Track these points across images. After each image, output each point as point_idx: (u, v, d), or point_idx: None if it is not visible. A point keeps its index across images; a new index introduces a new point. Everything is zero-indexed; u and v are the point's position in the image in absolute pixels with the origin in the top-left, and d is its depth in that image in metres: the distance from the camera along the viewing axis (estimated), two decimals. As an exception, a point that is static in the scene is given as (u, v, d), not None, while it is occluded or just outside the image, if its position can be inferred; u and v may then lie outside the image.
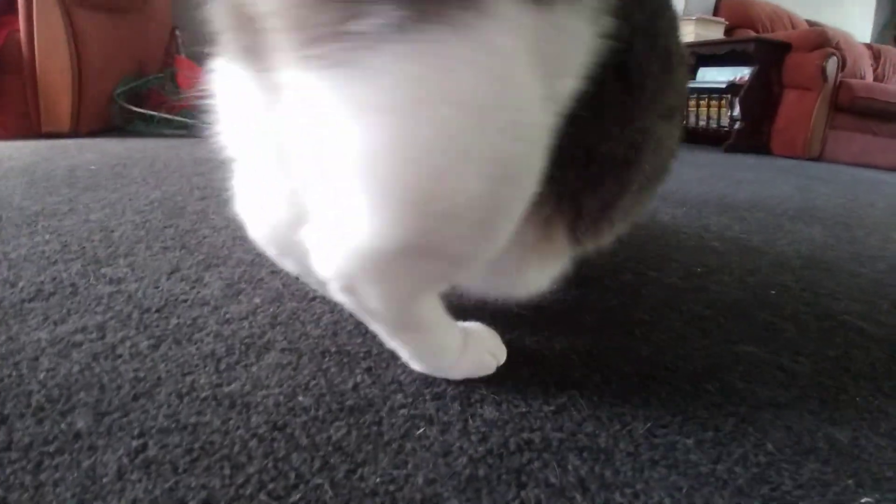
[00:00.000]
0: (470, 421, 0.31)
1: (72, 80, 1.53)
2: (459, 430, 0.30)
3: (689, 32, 3.14)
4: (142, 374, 0.33)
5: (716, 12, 3.35)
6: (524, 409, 0.33)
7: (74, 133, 1.55)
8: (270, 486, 0.25)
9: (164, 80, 1.73)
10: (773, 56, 2.91)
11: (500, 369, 0.37)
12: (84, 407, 0.30)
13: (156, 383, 0.33)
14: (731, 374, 0.40)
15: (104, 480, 0.25)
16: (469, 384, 0.35)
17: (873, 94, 3.07)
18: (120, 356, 0.35)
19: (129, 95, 1.63)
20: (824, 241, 0.87)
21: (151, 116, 1.62)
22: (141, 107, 1.62)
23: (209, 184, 0.95)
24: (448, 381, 0.35)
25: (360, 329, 0.42)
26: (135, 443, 0.28)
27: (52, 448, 0.27)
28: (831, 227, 1.00)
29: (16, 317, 0.40)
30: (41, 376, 0.33)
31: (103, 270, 0.50)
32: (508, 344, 0.39)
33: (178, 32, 2.02)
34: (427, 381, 0.35)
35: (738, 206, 1.13)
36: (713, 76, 3.01)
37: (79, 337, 0.37)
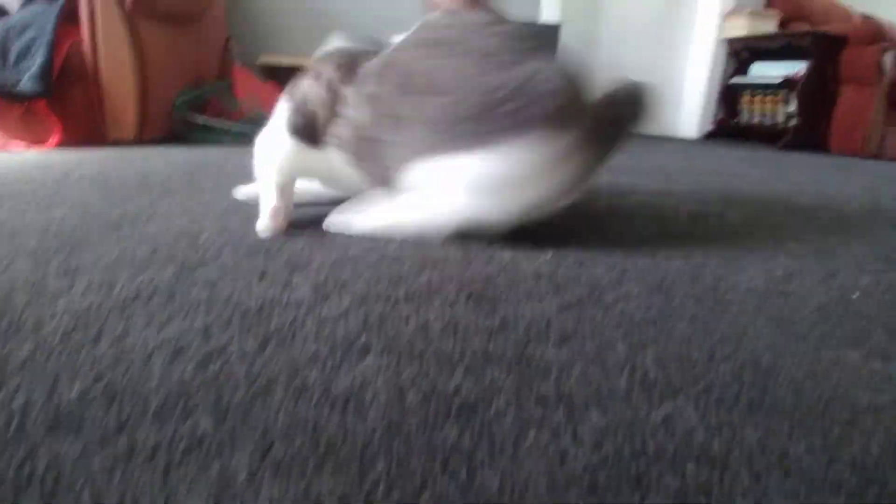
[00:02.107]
0: (579, 427, 0.31)
1: (136, 90, 1.60)
2: (571, 436, 0.30)
3: (741, 26, 3.04)
4: (254, 375, 0.35)
5: (768, 4, 3.22)
6: (631, 417, 0.33)
7: (139, 140, 1.63)
8: (399, 487, 0.26)
9: (222, 89, 1.80)
10: (830, 50, 2.80)
11: (600, 382, 0.37)
12: (204, 408, 0.32)
13: (269, 383, 0.34)
14: (831, 380, 0.39)
15: (237, 482, 0.26)
16: (569, 390, 0.35)
17: (932, 84, 2.88)
18: (230, 357, 0.37)
19: (189, 105, 1.71)
20: (903, 243, 0.83)
21: (212, 126, 1.69)
22: (200, 116, 1.68)
23: (274, 189, 0.98)
24: (546, 384, 0.35)
25: (449, 330, 0.42)
26: (261, 444, 0.29)
27: (178, 451, 0.28)
28: (909, 228, 0.95)
29: (120, 318, 0.43)
30: (155, 379, 0.34)
31: (196, 274, 0.53)
32: (603, 354, 0.38)
33: (232, 42, 2.09)
34: (525, 383, 0.35)
35: (806, 207, 1.09)
36: (767, 71, 2.90)
37: (186, 339, 0.39)
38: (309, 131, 0.74)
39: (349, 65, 0.73)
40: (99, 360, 0.36)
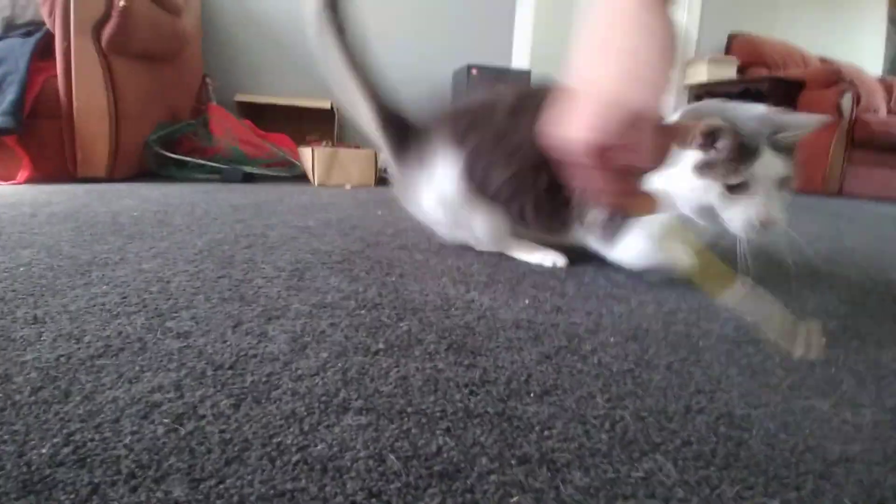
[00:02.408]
0: (562, 488, 0.31)
1: (109, 127, 1.58)
2: (554, 499, 0.30)
3: (701, 72, 3.20)
4: (228, 436, 0.34)
5: (727, 51, 3.41)
6: (613, 475, 0.33)
7: (110, 178, 1.60)
8: (380, 559, 0.25)
9: (196, 126, 1.79)
10: (788, 94, 2.96)
11: (581, 439, 0.37)
12: (177, 473, 0.30)
13: (244, 446, 0.33)
14: (803, 430, 0.40)
15: (212, 551, 0.25)
16: (550, 449, 0.35)
17: (890, 129, 3.09)
18: (203, 417, 0.36)
19: (163, 142, 1.69)
20: (862, 285, 0.87)
21: (185, 162, 1.67)
22: (174, 153, 1.67)
23: (251, 231, 0.97)
24: (528, 443, 0.35)
25: (430, 385, 0.42)
26: (236, 511, 0.28)
27: (151, 518, 0.27)
28: (866, 269, 0.99)
29: (88, 374, 0.41)
30: (127, 440, 0.33)
31: (168, 324, 0.51)
32: (573, 410, 0.39)
33: (208, 80, 2.10)
34: (507, 442, 0.35)
35: (771, 248, 1.13)
36: (728, 115, 3.05)
37: (157, 396, 0.38)
38: None
39: None
40: (69, 418, 0.35)
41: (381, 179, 2.02)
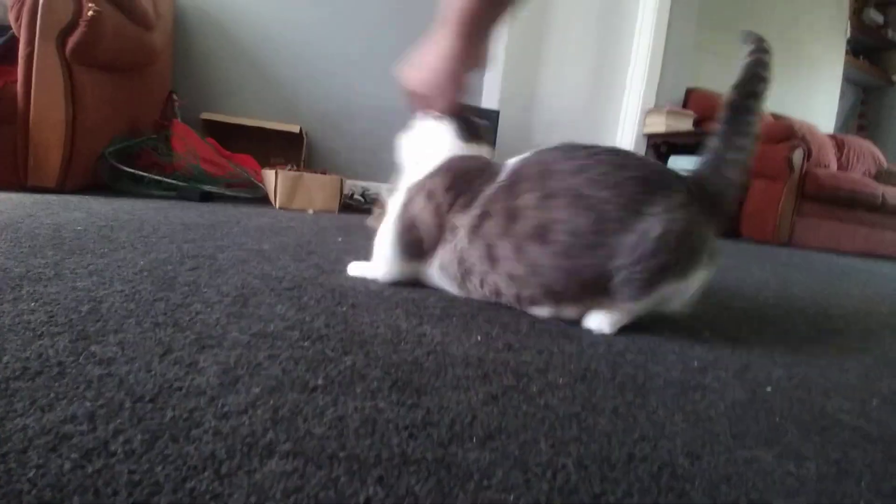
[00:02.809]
0: (494, 545, 0.29)
1: (64, 136, 1.53)
2: (484, 557, 0.28)
3: (660, 123, 3.35)
4: (137, 478, 0.31)
5: (685, 105, 3.59)
6: (549, 530, 0.31)
7: (60, 189, 1.53)
8: None
9: (156, 141, 1.74)
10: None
11: (521, 489, 0.35)
12: None
13: (154, 490, 0.30)
14: (746, 483, 0.39)
15: None
16: (487, 498, 0.33)
17: (838, 183, 3.28)
18: (114, 454, 0.33)
19: (120, 155, 1.64)
20: (808, 333, 0.90)
21: (141, 177, 1.62)
22: (131, 167, 1.61)
23: (200, 252, 0.93)
24: (464, 494, 0.33)
25: (367, 427, 0.40)
26: (129, 568, 0.25)
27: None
28: (813, 318, 1.03)
29: (2, 397, 0.37)
30: (31, 473, 0.30)
31: (92, 348, 0.47)
32: (516, 458, 0.37)
33: (175, 96, 2.06)
34: (443, 492, 0.33)
35: (721, 294, 1.16)
36: (684, 164, 3.20)
37: (69, 428, 0.35)
38: (413, 250, 0.83)
39: (460, 188, 0.78)
40: (-30, 449, 0.31)
41: (346, 206, 2.00)
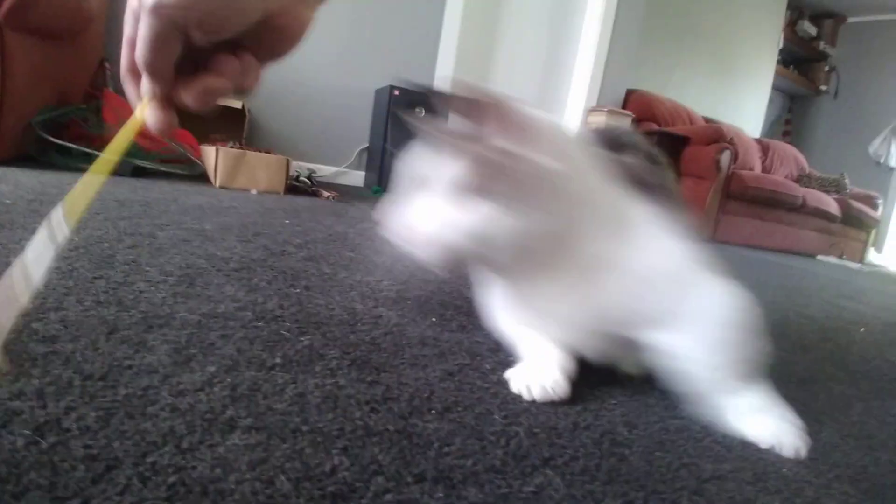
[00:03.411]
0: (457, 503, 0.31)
1: (-11, 104, 1.38)
2: (447, 516, 0.30)
3: (601, 122, 3.50)
4: (95, 452, 0.30)
5: (624, 105, 3.76)
6: (506, 490, 0.33)
7: (-19, 159, 1.39)
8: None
9: (86, 112, 1.62)
10: (673, 147, 3.31)
11: (478, 455, 0.37)
12: (38, 490, 0.26)
13: (113, 463, 0.29)
14: (678, 449, 0.44)
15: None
16: (448, 466, 0.35)
17: (761, 184, 3.55)
18: (68, 430, 0.32)
19: (48, 125, 1.51)
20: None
21: (69, 149, 1.50)
22: (60, 138, 1.49)
23: (137, 230, 0.89)
24: (426, 461, 0.35)
25: (329, 403, 0.41)
26: (94, 539, 0.24)
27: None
28: (733, 306, 1.12)
29: (-69, 377, 0.35)
30: None
31: (33, 325, 0.45)
32: (473, 430, 0.39)
33: (107, 64, 1.92)
34: (405, 460, 0.35)
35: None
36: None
37: (17, 404, 0.33)
38: None
39: None
40: None
41: (293, 188, 1.95)
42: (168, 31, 0.33)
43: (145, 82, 0.36)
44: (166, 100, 0.37)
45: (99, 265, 0.65)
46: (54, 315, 0.48)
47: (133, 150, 1.63)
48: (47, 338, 0.43)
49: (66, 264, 0.63)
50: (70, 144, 1.50)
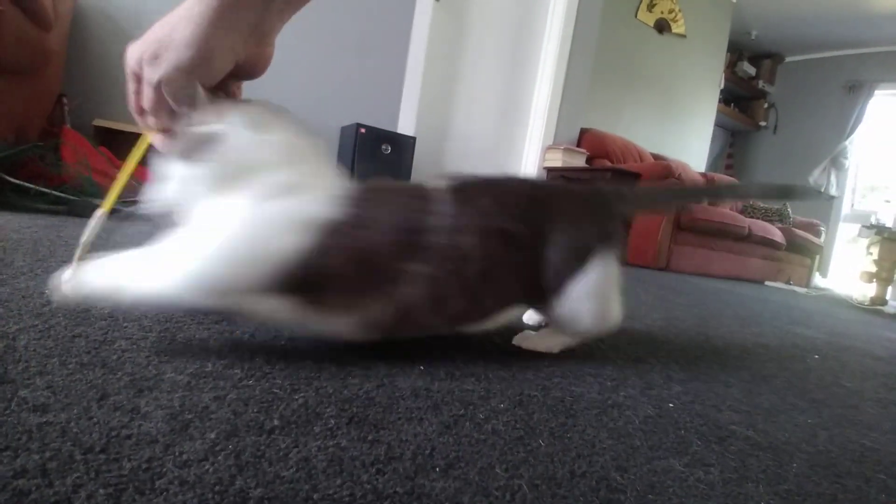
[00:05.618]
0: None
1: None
2: (468, 580, 0.31)
3: (558, 158, 3.68)
4: (108, 538, 0.30)
5: (579, 144, 3.97)
6: (518, 549, 0.35)
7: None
8: None
9: (44, 150, 1.57)
10: (625, 183, 3.50)
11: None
12: None
13: (129, 550, 0.29)
14: (666, 490, 0.46)
15: None
16: (458, 524, 0.36)
17: (709, 216, 3.78)
18: (77, 512, 0.31)
19: (3, 163, 1.45)
20: (695, 353, 1.03)
21: (27, 189, 1.44)
22: (16, 177, 1.43)
23: (110, 279, 0.86)
24: (438, 522, 0.36)
25: (334, 467, 0.41)
26: None
27: None
28: (695, 338, 1.18)
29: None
30: None
31: (21, 393, 0.43)
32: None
33: (65, 100, 1.87)
34: (418, 523, 0.36)
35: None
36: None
37: (22, 483, 0.32)
38: None
39: None
40: None
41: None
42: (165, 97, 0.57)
43: (151, 120, 0.62)
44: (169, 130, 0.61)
45: (76, 322, 0.63)
46: (40, 380, 0.46)
47: (92, 190, 1.58)
48: (38, 406, 0.42)
49: (42, 322, 0.61)
50: (28, 184, 1.45)
